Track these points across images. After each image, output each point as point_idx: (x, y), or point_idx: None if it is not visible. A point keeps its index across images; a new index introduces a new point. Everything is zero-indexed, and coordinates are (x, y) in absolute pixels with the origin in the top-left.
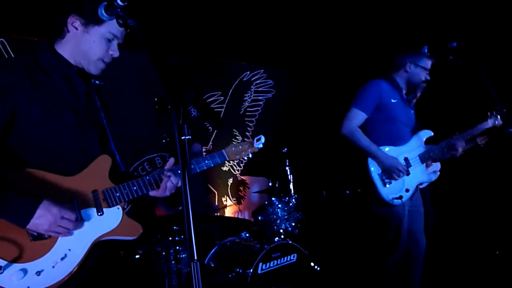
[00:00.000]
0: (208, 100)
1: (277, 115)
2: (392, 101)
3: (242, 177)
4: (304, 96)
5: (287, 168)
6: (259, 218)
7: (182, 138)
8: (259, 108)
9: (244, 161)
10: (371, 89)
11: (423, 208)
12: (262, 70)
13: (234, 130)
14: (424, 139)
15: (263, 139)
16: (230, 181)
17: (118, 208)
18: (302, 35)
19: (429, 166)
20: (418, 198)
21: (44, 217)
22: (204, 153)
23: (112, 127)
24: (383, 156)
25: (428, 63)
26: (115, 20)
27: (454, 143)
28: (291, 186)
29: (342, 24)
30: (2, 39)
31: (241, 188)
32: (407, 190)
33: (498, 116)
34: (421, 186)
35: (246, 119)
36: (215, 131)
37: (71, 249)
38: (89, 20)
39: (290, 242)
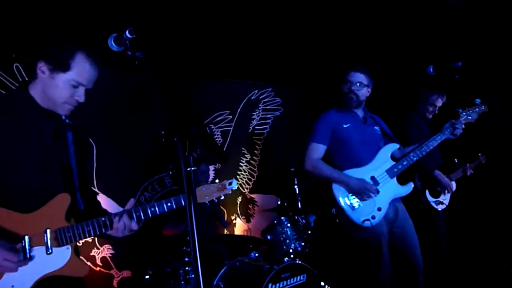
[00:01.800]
0: (216, 119)
1: (285, 133)
2: (344, 126)
3: (251, 195)
4: (312, 114)
5: (295, 186)
6: (268, 237)
7: (188, 169)
8: (267, 126)
9: (253, 179)
10: (322, 121)
11: (412, 228)
12: (270, 89)
13: (242, 148)
14: (390, 153)
15: (234, 184)
16: (239, 199)
17: (67, 248)
18: (310, 53)
19: (443, 193)
20: (403, 218)
21: None
22: (213, 172)
23: (122, 146)
24: (348, 180)
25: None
26: (81, 68)
27: (426, 152)
28: (300, 205)
29: (350, 43)
30: (17, 64)
31: (250, 206)
32: (379, 209)
33: (470, 111)
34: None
35: (254, 137)
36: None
37: (14, 285)
38: (55, 67)
39: (300, 262)
